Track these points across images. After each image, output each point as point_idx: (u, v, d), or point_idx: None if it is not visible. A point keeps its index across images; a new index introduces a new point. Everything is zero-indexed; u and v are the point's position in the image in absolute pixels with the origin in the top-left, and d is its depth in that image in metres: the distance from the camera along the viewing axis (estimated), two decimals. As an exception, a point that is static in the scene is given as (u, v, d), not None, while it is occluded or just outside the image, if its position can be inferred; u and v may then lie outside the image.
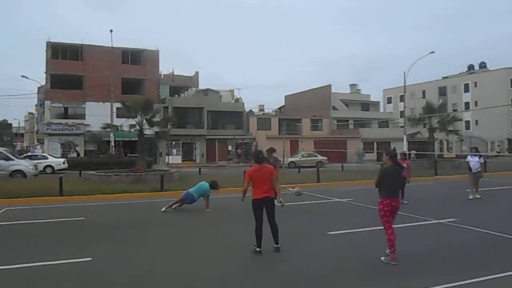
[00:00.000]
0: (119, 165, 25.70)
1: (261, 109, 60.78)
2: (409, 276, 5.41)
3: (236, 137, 43.64)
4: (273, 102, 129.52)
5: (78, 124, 37.69)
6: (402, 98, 65.01)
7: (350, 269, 5.73)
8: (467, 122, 59.09)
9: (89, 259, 6.22)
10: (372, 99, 60.03)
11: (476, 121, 58.48)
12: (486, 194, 13.41)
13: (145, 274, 5.57)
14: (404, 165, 10.53)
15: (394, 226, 6.33)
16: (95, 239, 7.79)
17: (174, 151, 40.94)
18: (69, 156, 33.46)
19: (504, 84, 56.63)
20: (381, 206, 6.19)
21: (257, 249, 6.48)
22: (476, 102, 59.12)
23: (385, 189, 6.26)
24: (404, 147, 34.38)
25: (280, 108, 60.83)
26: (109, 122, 30.15)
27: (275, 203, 6.83)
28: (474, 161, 12.98)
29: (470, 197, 12.78)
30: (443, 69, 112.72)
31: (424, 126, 28.90)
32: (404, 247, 6.44)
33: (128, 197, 14.02)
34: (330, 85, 51.93)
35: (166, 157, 38.07)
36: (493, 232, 7.85)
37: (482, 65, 66.78)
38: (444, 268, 5.71)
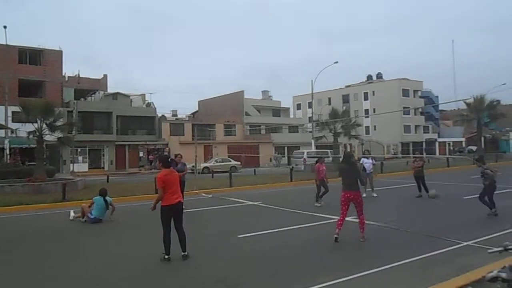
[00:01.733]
0: (16, 174, 23.28)
1: (174, 114, 59.70)
2: (315, 271, 5.79)
3: (148, 142, 42.27)
4: (186, 107, 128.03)
5: (-36, 129, 33.45)
6: (310, 105, 68.88)
7: (259, 270, 5.94)
8: (367, 127, 64.30)
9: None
10: (283, 105, 62.45)
11: (375, 127, 63.96)
12: (382, 192, 14.82)
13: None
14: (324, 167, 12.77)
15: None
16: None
17: (80, 158, 38.30)
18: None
19: (397, 93, 62.85)
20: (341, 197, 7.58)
21: (166, 256, 6.39)
22: (374, 109, 64.69)
23: (342, 184, 7.69)
24: (313, 150, 36.46)
25: (193, 114, 60.39)
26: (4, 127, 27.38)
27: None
28: (368, 163, 14.37)
29: (363, 195, 13.96)
30: (347, 78, 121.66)
31: (330, 131, 30.95)
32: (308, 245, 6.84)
33: (24, 209, 12.84)
34: (242, 91, 52.93)
35: (71, 165, 35.47)
36: (385, 225, 8.73)
37: (379, 76, 73.35)
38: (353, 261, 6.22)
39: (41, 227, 10.13)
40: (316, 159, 14.81)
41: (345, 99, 69.16)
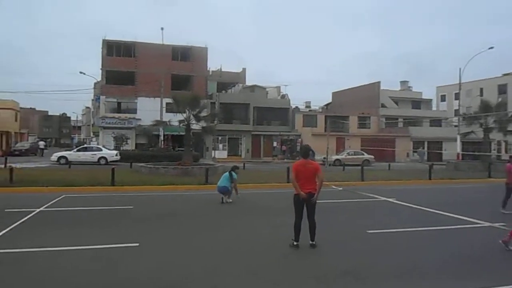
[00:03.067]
0: (167, 158, 26.64)
1: (308, 106, 60.37)
2: (431, 276, 5.29)
3: (282, 133, 43.69)
4: (320, 99, 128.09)
5: (130, 118, 39.43)
6: (457, 96, 62.06)
7: (385, 266, 5.69)
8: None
9: (137, 244, 6.63)
10: (425, 96, 57.70)
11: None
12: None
13: (188, 262, 5.87)
14: None
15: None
16: (141, 226, 8.26)
17: (220, 146, 41.73)
18: (121, 148, 35.12)
19: None
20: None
21: (295, 243, 6.59)
22: (539, 100, 55.12)
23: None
24: (458, 147, 32.94)
25: (327, 105, 60.10)
26: (158, 116, 31.42)
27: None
28: None
29: None
30: (505, 66, 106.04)
31: (480, 126, 27.44)
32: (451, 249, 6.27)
33: (175, 188, 14.60)
34: (379, 82, 50.53)
35: (213, 151, 38.90)
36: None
37: (548, 61, 62.04)
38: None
39: (189, 206, 11.38)
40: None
41: (502, 90, 60.28)
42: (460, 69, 33.07)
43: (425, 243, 7.25)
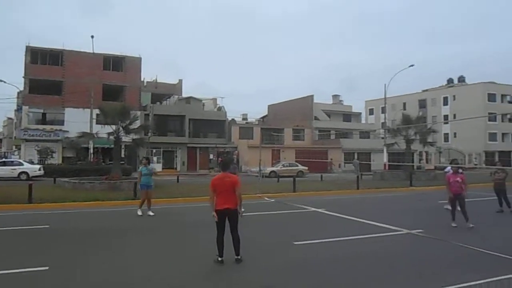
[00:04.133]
0: (97, 172, 25.29)
1: (244, 118, 60.81)
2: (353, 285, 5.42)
3: (218, 145, 43.50)
4: (256, 111, 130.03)
5: (56, 130, 37.03)
6: (383, 110, 66.17)
7: (307, 280, 5.70)
8: (446, 134, 60.22)
9: (46, 268, 6.06)
10: (354, 110, 60.73)
11: (455, 134, 59.67)
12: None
13: (101, 282, 5.46)
14: (458, 179, 10.05)
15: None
16: (55, 247, 7.62)
17: (155, 159, 40.48)
18: (46, 162, 32.79)
19: (481, 98, 58.06)
20: None
21: (219, 258, 6.41)
22: (454, 115, 60.37)
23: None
24: (385, 158, 34.87)
25: (263, 118, 61.00)
26: (88, 128, 29.81)
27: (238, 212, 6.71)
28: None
29: (445, 207, 12.97)
30: (424, 82, 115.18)
31: (403, 138, 29.42)
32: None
33: (99, 205, 13.79)
34: (312, 96, 52.41)
35: (146, 165, 37.58)
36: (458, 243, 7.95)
37: (461, 79, 68.36)
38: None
39: (111, 223, 10.75)
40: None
41: (422, 104, 65.34)
42: (385, 85, 35.31)
43: (347, 252, 7.42)
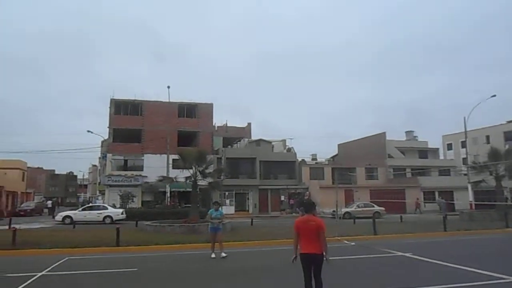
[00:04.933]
0: (174, 215, 26.16)
1: (314, 158, 60.33)
2: None
3: (289, 186, 43.23)
4: (325, 151, 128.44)
5: (136, 175, 39.38)
6: (463, 144, 61.80)
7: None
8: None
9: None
10: (430, 145, 57.51)
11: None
12: None
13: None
14: None
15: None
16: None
17: (227, 201, 41.17)
18: (127, 206, 34.73)
19: None
20: None
21: (308, 305, 6.14)
22: (547, 147, 54.66)
23: None
24: (470, 196, 32.18)
25: (333, 157, 60.00)
26: (164, 173, 31.31)
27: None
28: None
29: None
30: (509, 112, 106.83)
31: (490, 174, 27.03)
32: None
33: (181, 248, 14.09)
34: (384, 133, 50.73)
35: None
36: None
37: (551, 108, 62.40)
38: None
39: (191, 265, 10.87)
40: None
41: (508, 137, 60.09)
42: (464, 117, 33.18)
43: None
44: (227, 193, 40.52)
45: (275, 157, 45.86)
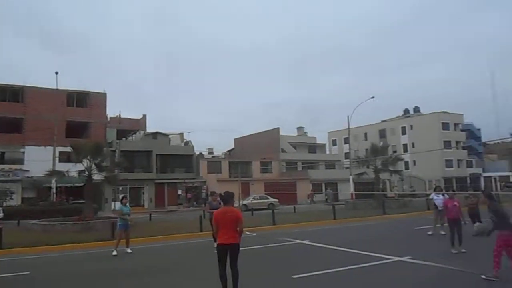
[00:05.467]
0: (62, 213, 24.12)
1: (210, 152, 60.67)
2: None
3: (186, 180, 42.91)
4: (221, 145, 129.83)
5: (15, 169, 35.25)
6: (346, 140, 68.10)
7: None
8: (406, 162, 62.63)
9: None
10: (319, 141, 62.17)
11: (414, 162, 62.19)
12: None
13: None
14: (455, 203, 10.25)
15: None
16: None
17: (121, 196, 39.19)
18: (4, 204, 30.89)
19: (436, 127, 61.41)
20: None
21: (223, 294, 6.34)
22: (413, 144, 63.25)
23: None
24: (351, 187, 35.66)
25: (229, 151, 61.11)
26: (49, 167, 28.59)
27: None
28: (439, 199, 13.52)
29: (429, 232, 13.47)
30: (383, 113, 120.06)
31: (367, 167, 30.42)
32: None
33: (76, 247, 13.15)
34: (278, 128, 53.29)
35: (112, 203, 36.36)
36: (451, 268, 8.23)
37: (417, 110, 72.13)
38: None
39: (91, 266, 10.27)
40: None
41: (382, 134, 68.06)
42: (348, 116, 36.48)
43: (352, 283, 7.50)
44: (120, 188, 38.54)
45: (172, 150, 45.05)
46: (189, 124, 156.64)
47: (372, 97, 38.07)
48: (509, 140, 61.67)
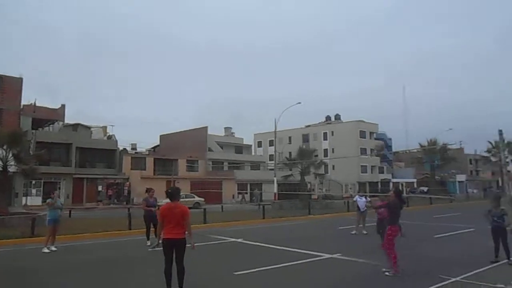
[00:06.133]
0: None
1: (134, 148, 58.42)
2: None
3: (108, 176, 40.94)
4: (146, 141, 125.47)
5: None
6: (271, 143, 69.91)
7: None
8: (326, 166, 66.14)
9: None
10: (245, 142, 63.09)
11: (333, 166, 65.79)
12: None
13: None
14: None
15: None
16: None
17: (34, 191, 36.26)
18: None
19: (354, 134, 65.65)
20: None
21: (166, 290, 6.31)
22: (333, 149, 66.89)
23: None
24: (275, 188, 36.80)
25: (154, 148, 59.45)
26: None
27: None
28: (361, 202, 14.76)
29: (353, 232, 14.46)
30: (307, 118, 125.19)
31: (290, 169, 31.80)
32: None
33: (-10, 244, 12.00)
34: (206, 127, 53.10)
35: (23, 198, 33.46)
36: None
37: (337, 117, 76.41)
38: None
39: (14, 264, 9.50)
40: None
41: (305, 139, 71.03)
42: (275, 119, 37.56)
43: (293, 278, 7.87)
44: (34, 182, 35.63)
45: (94, 144, 42.63)
46: (113, 118, 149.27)
47: (299, 103, 39.68)
48: (415, 150, 68.16)
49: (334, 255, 10.04)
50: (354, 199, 15.37)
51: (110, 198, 40.11)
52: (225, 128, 63.43)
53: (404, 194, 50.75)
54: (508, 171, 32.62)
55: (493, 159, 60.72)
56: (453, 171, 67.68)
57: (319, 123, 76.73)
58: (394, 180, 68.17)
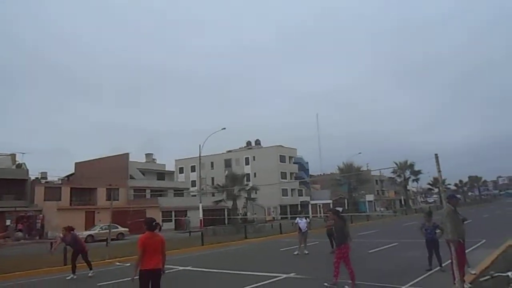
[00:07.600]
0: None
1: (44, 177, 53.88)
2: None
3: (17, 209, 37.25)
4: (59, 169, 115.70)
5: None
6: (193, 168, 69.58)
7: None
8: (256, 191, 67.28)
9: None
10: (167, 168, 61.75)
11: (255, 191, 67.11)
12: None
13: None
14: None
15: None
16: None
17: None
18: None
19: (275, 159, 68.03)
20: None
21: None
22: (255, 174, 68.44)
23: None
24: (200, 214, 36.64)
25: (68, 176, 55.56)
26: None
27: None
28: (302, 223, 15.71)
29: (296, 252, 15.19)
30: (228, 143, 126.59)
31: (213, 195, 32.08)
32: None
33: None
34: (127, 154, 51.26)
35: None
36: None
37: (258, 142, 78.58)
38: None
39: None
40: None
41: (228, 164, 71.75)
42: (200, 145, 37.94)
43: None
44: None
45: (1, 173, 38.75)
46: (23, 146, 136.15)
47: (224, 128, 40.60)
48: (329, 173, 72.61)
49: (290, 275, 10.61)
50: (296, 221, 16.36)
51: (22, 232, 36.41)
52: (146, 154, 61.49)
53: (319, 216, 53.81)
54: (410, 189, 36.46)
55: (398, 179, 67.32)
56: (362, 192, 73.10)
57: (240, 148, 78.15)
58: (313, 202, 71.47)
